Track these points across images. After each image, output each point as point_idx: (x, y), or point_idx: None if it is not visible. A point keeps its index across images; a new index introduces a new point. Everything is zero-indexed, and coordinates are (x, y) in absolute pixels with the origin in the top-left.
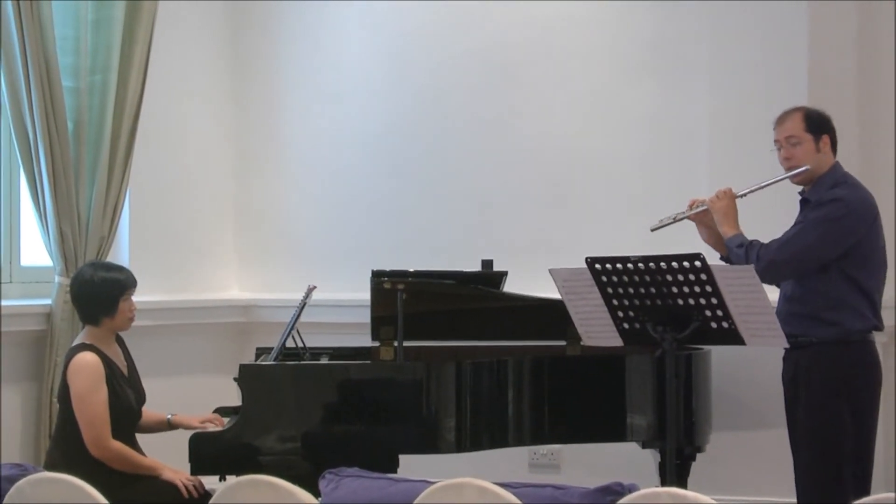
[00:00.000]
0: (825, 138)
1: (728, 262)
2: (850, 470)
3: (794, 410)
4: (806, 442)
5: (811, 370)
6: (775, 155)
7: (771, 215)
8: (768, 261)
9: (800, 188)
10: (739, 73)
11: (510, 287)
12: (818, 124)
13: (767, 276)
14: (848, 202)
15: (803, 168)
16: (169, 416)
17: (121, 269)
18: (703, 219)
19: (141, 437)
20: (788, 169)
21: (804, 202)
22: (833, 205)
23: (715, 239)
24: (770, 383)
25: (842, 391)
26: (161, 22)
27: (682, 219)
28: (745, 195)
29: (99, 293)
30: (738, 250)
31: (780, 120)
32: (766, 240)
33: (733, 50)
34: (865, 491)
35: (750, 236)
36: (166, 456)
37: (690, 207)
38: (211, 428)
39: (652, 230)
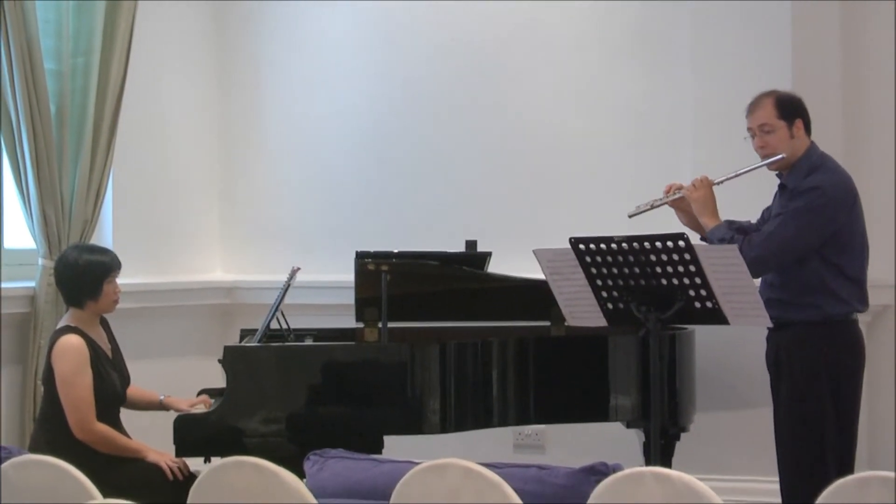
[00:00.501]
0: (798, 122)
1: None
2: (833, 450)
3: (777, 391)
4: (788, 422)
5: (792, 351)
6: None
7: (748, 200)
8: (753, 257)
9: (776, 173)
10: (723, 59)
11: (494, 268)
12: (790, 109)
13: (755, 271)
14: (826, 189)
15: (779, 156)
16: (162, 398)
17: (105, 251)
18: (680, 204)
19: (126, 421)
20: (764, 157)
21: (782, 188)
22: (812, 193)
23: (694, 223)
24: (754, 363)
25: (823, 372)
26: (144, 4)
27: (659, 205)
28: (721, 182)
29: (83, 276)
30: (721, 244)
31: (752, 108)
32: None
33: (717, 36)
34: (849, 470)
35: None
36: (151, 438)
37: (667, 193)
38: (198, 407)
39: (629, 216)
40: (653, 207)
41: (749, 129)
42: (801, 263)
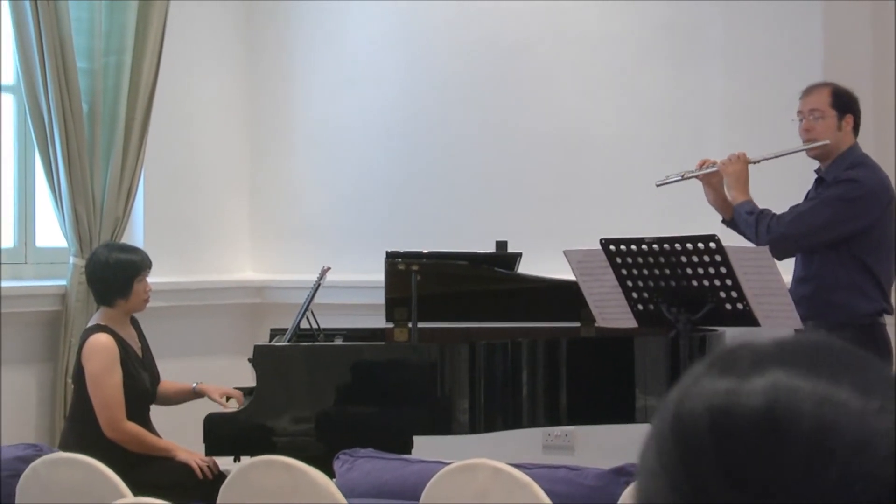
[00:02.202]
0: (848, 117)
1: (731, 226)
2: None
3: None
4: None
5: None
6: (795, 127)
7: (782, 188)
8: (780, 234)
9: (816, 165)
10: (754, 56)
11: (524, 269)
12: (844, 102)
13: (776, 249)
14: (864, 183)
15: (823, 142)
16: (194, 385)
17: (136, 250)
18: (710, 180)
19: (155, 420)
20: (806, 141)
21: (819, 180)
22: (849, 184)
23: (721, 202)
24: None
25: None
26: (175, 3)
27: (690, 177)
28: (758, 162)
29: (114, 274)
30: (748, 217)
31: (807, 91)
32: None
33: (747, 33)
34: None
35: (760, 206)
36: (181, 437)
37: (700, 167)
38: (230, 403)
39: (657, 185)
40: (683, 178)
41: (799, 111)
42: (830, 257)
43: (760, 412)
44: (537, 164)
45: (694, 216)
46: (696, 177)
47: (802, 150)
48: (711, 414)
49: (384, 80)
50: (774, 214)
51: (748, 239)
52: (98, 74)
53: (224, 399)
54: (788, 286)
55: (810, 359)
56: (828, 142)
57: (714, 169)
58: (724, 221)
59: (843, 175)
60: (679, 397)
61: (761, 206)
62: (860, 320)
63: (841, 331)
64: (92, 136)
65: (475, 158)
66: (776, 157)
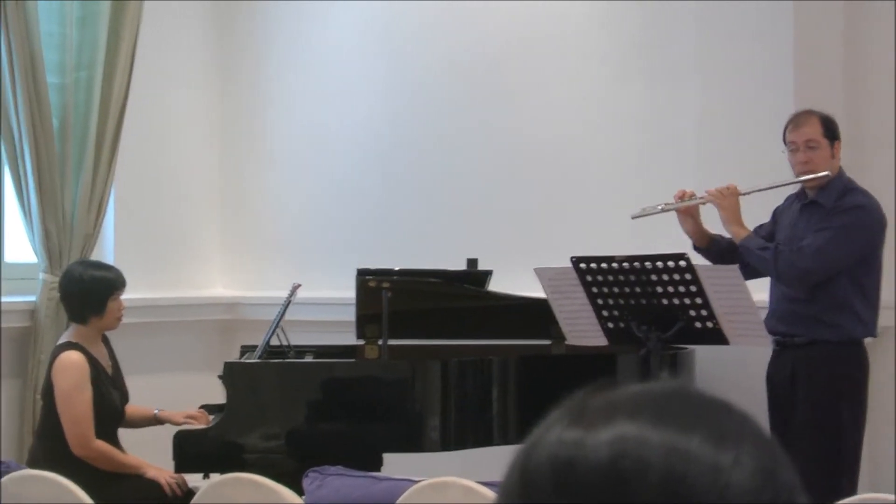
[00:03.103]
0: (837, 144)
1: (705, 254)
2: (847, 469)
3: (785, 410)
4: (808, 440)
5: (813, 370)
6: (777, 154)
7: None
8: (804, 269)
9: (797, 189)
10: (728, 73)
11: (495, 286)
12: (833, 130)
13: (799, 284)
14: (870, 210)
15: (823, 174)
16: (156, 411)
17: (111, 268)
18: (691, 210)
19: (125, 435)
20: (804, 172)
21: (812, 205)
22: (860, 212)
23: (699, 232)
24: (753, 383)
25: (844, 391)
26: (147, 18)
27: (670, 209)
28: (749, 194)
29: (88, 292)
30: (763, 253)
31: (798, 123)
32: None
33: (721, 50)
34: (853, 491)
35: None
36: (150, 453)
37: (681, 199)
38: (195, 423)
39: (633, 218)
40: (663, 211)
41: (791, 142)
42: (830, 280)
43: (605, 465)
44: (509, 182)
45: (666, 234)
46: (677, 209)
47: (799, 181)
48: (555, 466)
49: (359, 96)
50: (790, 249)
51: (764, 272)
52: (69, 90)
53: (189, 420)
54: (759, 304)
55: (661, 408)
56: (828, 173)
57: (699, 201)
58: (695, 248)
59: (846, 202)
60: (528, 447)
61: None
62: (850, 340)
63: (833, 348)
64: (62, 151)
65: (447, 176)
66: (770, 188)
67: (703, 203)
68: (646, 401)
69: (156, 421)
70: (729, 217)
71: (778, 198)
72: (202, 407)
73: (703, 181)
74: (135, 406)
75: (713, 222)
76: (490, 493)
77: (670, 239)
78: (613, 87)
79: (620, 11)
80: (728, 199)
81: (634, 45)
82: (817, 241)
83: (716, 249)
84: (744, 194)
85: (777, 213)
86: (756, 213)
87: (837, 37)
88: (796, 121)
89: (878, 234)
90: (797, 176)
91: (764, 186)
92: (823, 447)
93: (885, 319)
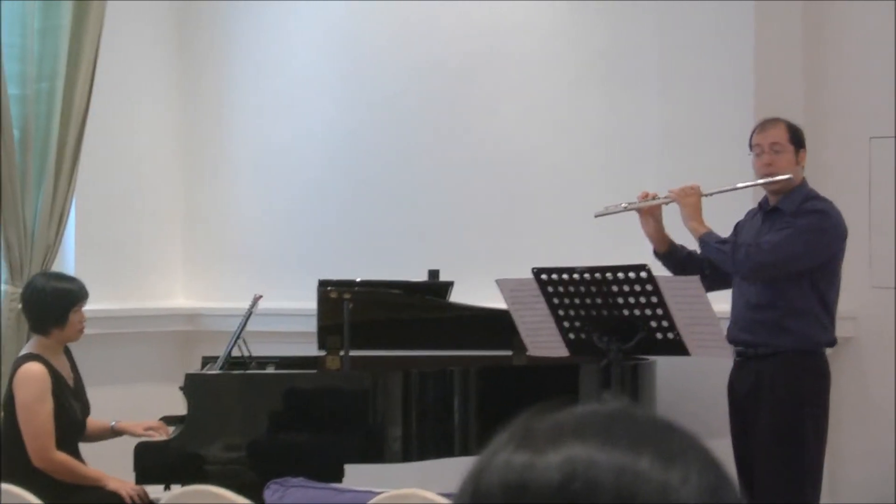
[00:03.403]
0: (802, 153)
1: (664, 260)
2: (810, 478)
3: (748, 420)
4: (771, 450)
5: (775, 380)
6: (738, 162)
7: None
8: (759, 262)
9: (761, 196)
10: (689, 82)
11: (457, 297)
12: (799, 138)
13: (753, 276)
14: (831, 215)
15: (785, 177)
16: (113, 423)
17: (73, 280)
18: (653, 211)
19: (87, 447)
20: (766, 174)
21: (774, 211)
22: (820, 215)
23: (659, 234)
24: (714, 393)
25: (806, 401)
26: (108, 29)
27: (632, 208)
28: (711, 195)
29: (50, 303)
30: (721, 246)
31: (764, 126)
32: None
33: (682, 60)
34: (816, 500)
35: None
36: (111, 465)
37: (643, 199)
38: (155, 435)
39: (596, 216)
40: (626, 210)
41: (756, 145)
42: (792, 285)
43: (556, 487)
44: (470, 192)
45: (628, 243)
46: (639, 209)
47: (762, 184)
48: (506, 490)
49: (320, 107)
50: (748, 243)
51: (721, 266)
52: (30, 101)
53: (148, 432)
54: (720, 314)
55: (608, 429)
56: (790, 176)
57: (663, 201)
58: (655, 254)
59: (808, 206)
60: (477, 471)
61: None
62: (812, 348)
63: (795, 357)
64: (23, 162)
65: (408, 187)
66: (732, 189)
67: (667, 203)
68: (593, 422)
69: (112, 433)
70: (689, 213)
71: (738, 203)
72: (162, 419)
73: (665, 187)
74: (92, 420)
75: (677, 228)
76: None
77: (633, 248)
78: (575, 97)
79: (582, 21)
80: (690, 197)
81: (596, 54)
82: (775, 237)
83: (676, 257)
84: (706, 195)
85: (738, 227)
86: (718, 220)
87: (798, 46)
88: (763, 125)
89: (836, 239)
90: (760, 178)
91: (727, 188)
92: (786, 456)
93: (846, 330)
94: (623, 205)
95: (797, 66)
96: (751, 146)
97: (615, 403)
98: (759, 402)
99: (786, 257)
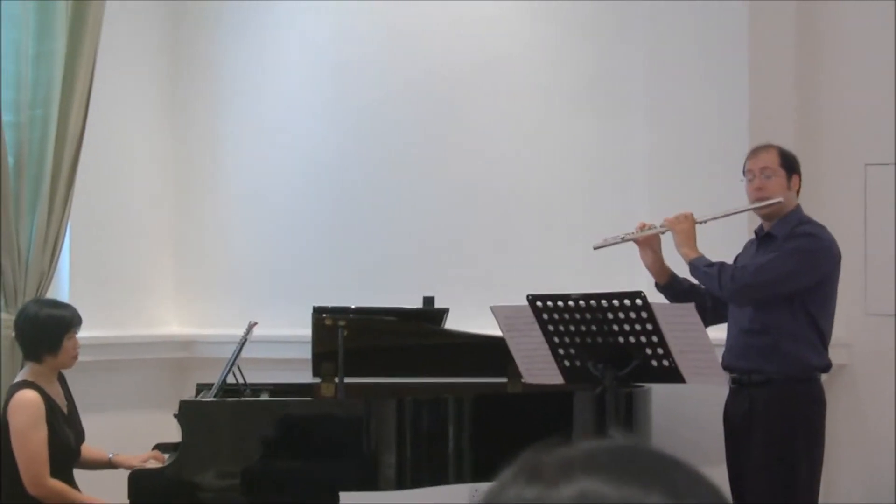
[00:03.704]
0: (795, 178)
1: (665, 291)
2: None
3: (740, 447)
4: (762, 478)
5: (769, 408)
6: (727, 188)
7: (720, 245)
8: (745, 283)
9: (757, 224)
10: (677, 108)
11: (452, 324)
12: (791, 163)
13: (739, 298)
14: (821, 238)
15: (776, 200)
16: (111, 456)
17: (66, 306)
18: (650, 242)
19: (81, 474)
20: (758, 199)
21: (767, 237)
22: (808, 238)
23: (658, 265)
24: (709, 420)
25: (799, 428)
26: (102, 56)
27: (629, 239)
28: (705, 222)
29: (43, 330)
30: (709, 269)
31: (755, 151)
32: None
33: (671, 85)
34: None
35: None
36: (106, 492)
37: (640, 230)
38: (151, 465)
39: (595, 248)
40: (623, 241)
41: (749, 170)
42: (784, 309)
43: None
44: (464, 219)
45: (622, 270)
46: (636, 239)
47: (753, 208)
48: None
49: (311, 134)
50: (735, 266)
51: (710, 289)
52: (24, 127)
53: (144, 465)
54: (715, 342)
55: (618, 464)
56: (781, 199)
57: (658, 230)
58: (657, 286)
59: (798, 230)
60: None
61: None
62: (807, 374)
63: (789, 385)
64: (18, 189)
65: (403, 212)
66: (725, 216)
67: (662, 232)
68: (603, 457)
69: (110, 465)
70: (681, 240)
71: (734, 230)
72: (157, 446)
73: (655, 214)
74: (90, 448)
75: (675, 258)
76: None
77: (626, 275)
78: (565, 123)
79: (571, 46)
80: (682, 224)
81: (586, 80)
82: (762, 259)
83: (677, 289)
84: (700, 222)
85: (737, 258)
86: (713, 247)
87: (792, 71)
88: (755, 150)
89: (825, 262)
90: (752, 203)
91: (720, 214)
92: (779, 483)
93: (841, 357)
94: (621, 236)
95: (791, 92)
96: (744, 172)
97: (623, 439)
98: (752, 429)
99: (770, 279)
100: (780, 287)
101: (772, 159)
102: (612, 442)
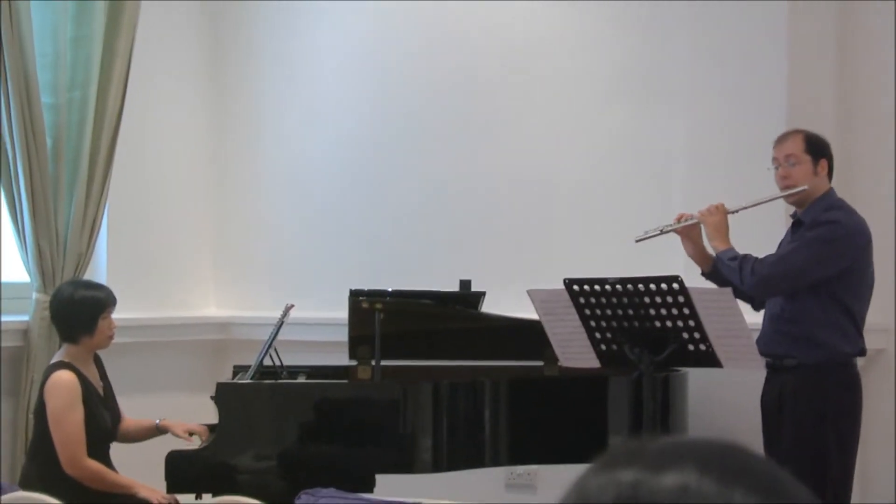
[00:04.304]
0: (823, 162)
1: (712, 278)
2: (833, 495)
3: (774, 433)
4: (793, 463)
5: (798, 393)
6: (767, 177)
7: (760, 234)
8: (763, 276)
9: (792, 209)
10: (716, 97)
11: (488, 308)
12: (818, 147)
13: (760, 291)
14: (843, 224)
15: (801, 188)
16: (157, 422)
17: (101, 287)
18: (689, 233)
19: (116, 456)
20: (785, 188)
21: (797, 224)
22: (829, 226)
23: (700, 255)
24: (746, 405)
25: (828, 415)
26: (141, 39)
27: (668, 231)
28: (737, 211)
29: (79, 311)
30: (731, 263)
31: (781, 139)
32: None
33: (710, 74)
34: None
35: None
36: (142, 473)
37: (678, 221)
38: (192, 440)
39: (637, 241)
40: (662, 233)
41: (774, 159)
42: (811, 298)
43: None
44: (501, 204)
45: (658, 256)
46: (676, 230)
47: (780, 197)
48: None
49: (350, 118)
50: (757, 258)
51: (733, 283)
52: (62, 109)
53: (187, 434)
54: (752, 327)
55: (725, 464)
56: (806, 187)
57: (694, 221)
58: (703, 273)
59: (822, 217)
60: (582, 487)
61: (743, 251)
62: (840, 359)
63: (817, 371)
64: (56, 171)
65: (440, 197)
66: (755, 205)
67: (697, 224)
68: (711, 453)
69: (157, 431)
70: (712, 233)
71: (769, 218)
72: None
73: (693, 202)
74: (134, 419)
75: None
76: None
77: (660, 259)
78: (604, 110)
79: (610, 33)
80: (714, 217)
81: (625, 67)
82: (782, 251)
83: (719, 274)
84: (731, 212)
85: (780, 244)
86: (747, 237)
87: (831, 60)
88: (780, 138)
89: (850, 249)
90: (781, 191)
91: (749, 204)
92: (808, 470)
93: (878, 342)
94: (660, 229)
95: (830, 80)
96: (772, 161)
97: (727, 439)
98: (782, 414)
99: (789, 271)
100: (801, 278)
101: (796, 146)
102: (722, 441)
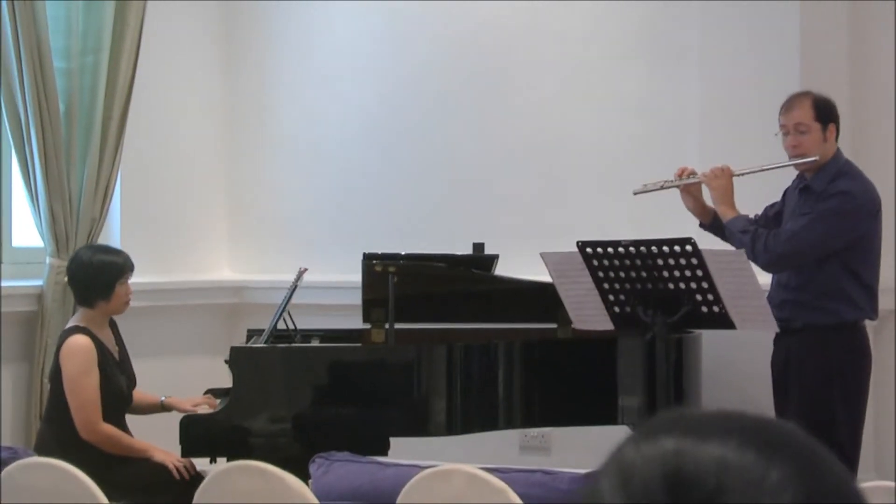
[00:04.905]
0: (832, 127)
1: (709, 230)
2: (841, 456)
3: (783, 395)
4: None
5: (803, 355)
6: (777, 139)
7: (763, 193)
8: (779, 253)
9: (796, 172)
10: (730, 58)
11: (501, 271)
12: (826, 112)
13: (775, 267)
14: (855, 195)
15: (811, 158)
16: (162, 399)
17: (119, 252)
18: (689, 188)
19: (132, 419)
20: (794, 156)
21: (805, 189)
22: (842, 197)
23: (700, 208)
24: (760, 367)
25: (834, 377)
26: (153, 3)
27: (669, 187)
28: (742, 174)
29: (96, 276)
30: (742, 236)
31: (789, 106)
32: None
33: (724, 35)
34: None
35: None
36: (157, 437)
37: (679, 176)
38: (202, 410)
39: (635, 193)
40: (663, 188)
41: (783, 126)
42: (819, 266)
43: (713, 474)
44: (514, 167)
45: (671, 218)
46: (677, 186)
47: (791, 164)
48: (664, 473)
49: (363, 81)
50: (769, 232)
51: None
52: (75, 74)
53: (195, 408)
54: (765, 288)
55: (773, 443)
56: (817, 158)
57: (695, 180)
58: (701, 225)
59: (832, 188)
60: (624, 457)
61: (744, 211)
62: (847, 323)
63: (823, 333)
64: (69, 135)
65: (452, 160)
66: (763, 170)
67: (699, 182)
68: (759, 430)
69: (162, 408)
70: (718, 197)
71: (774, 179)
72: (208, 391)
73: (705, 163)
74: (141, 392)
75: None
76: (494, 480)
77: (673, 221)
78: (616, 71)
79: None
80: (719, 180)
81: (637, 28)
82: (794, 226)
83: (720, 225)
84: (737, 175)
85: (786, 193)
86: (752, 194)
87: (843, 24)
88: (788, 104)
89: (862, 220)
90: (790, 159)
91: (756, 168)
92: (815, 432)
93: (888, 303)
94: (660, 183)
95: (843, 41)
96: (780, 125)
97: (770, 417)
98: (789, 377)
99: (803, 246)
100: (813, 253)
101: (805, 114)
102: (760, 414)
